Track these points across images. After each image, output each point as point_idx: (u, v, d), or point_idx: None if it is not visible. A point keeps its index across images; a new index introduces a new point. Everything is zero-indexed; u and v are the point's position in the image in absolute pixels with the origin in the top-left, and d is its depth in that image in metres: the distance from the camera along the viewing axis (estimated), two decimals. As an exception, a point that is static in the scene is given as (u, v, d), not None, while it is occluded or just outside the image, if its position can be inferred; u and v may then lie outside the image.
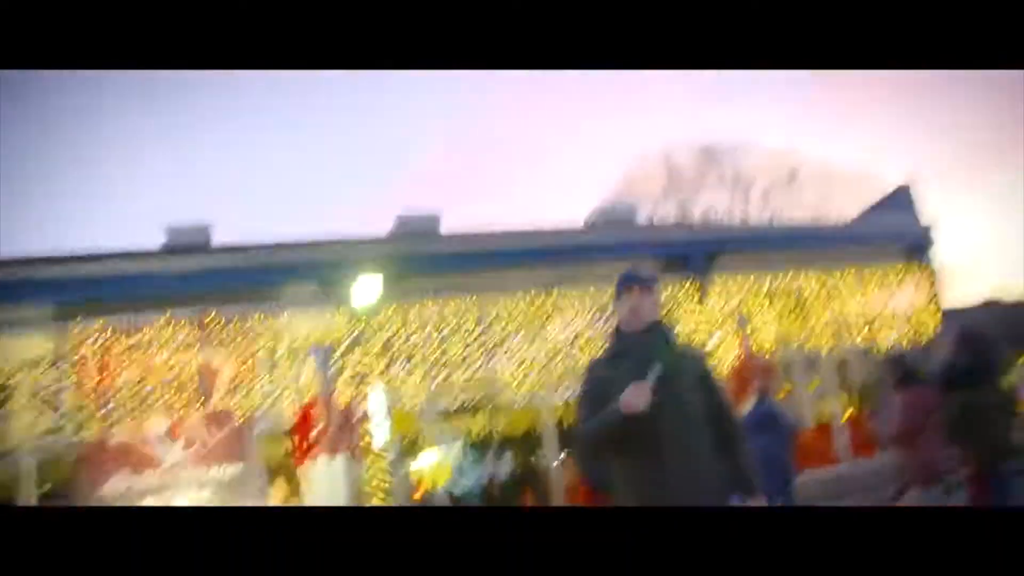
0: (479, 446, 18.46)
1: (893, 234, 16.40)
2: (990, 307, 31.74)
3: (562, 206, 51.69)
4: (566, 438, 15.03)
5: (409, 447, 16.88)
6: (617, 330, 3.37)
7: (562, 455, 15.00)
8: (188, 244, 11.26)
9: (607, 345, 3.43)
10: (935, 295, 16.07)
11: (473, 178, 63.22)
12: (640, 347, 3.22)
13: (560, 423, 14.88)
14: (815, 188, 34.59)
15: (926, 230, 16.74)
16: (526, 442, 19.10)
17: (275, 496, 13.57)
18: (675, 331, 3.37)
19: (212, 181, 60.42)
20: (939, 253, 16.90)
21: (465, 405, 18.61)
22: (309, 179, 62.80)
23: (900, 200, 17.63)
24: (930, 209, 17.80)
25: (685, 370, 3.24)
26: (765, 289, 14.33)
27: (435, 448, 12.67)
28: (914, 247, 16.34)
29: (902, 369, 6.07)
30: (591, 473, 13.54)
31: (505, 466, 19.28)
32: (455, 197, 56.35)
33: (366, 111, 64.03)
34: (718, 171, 34.86)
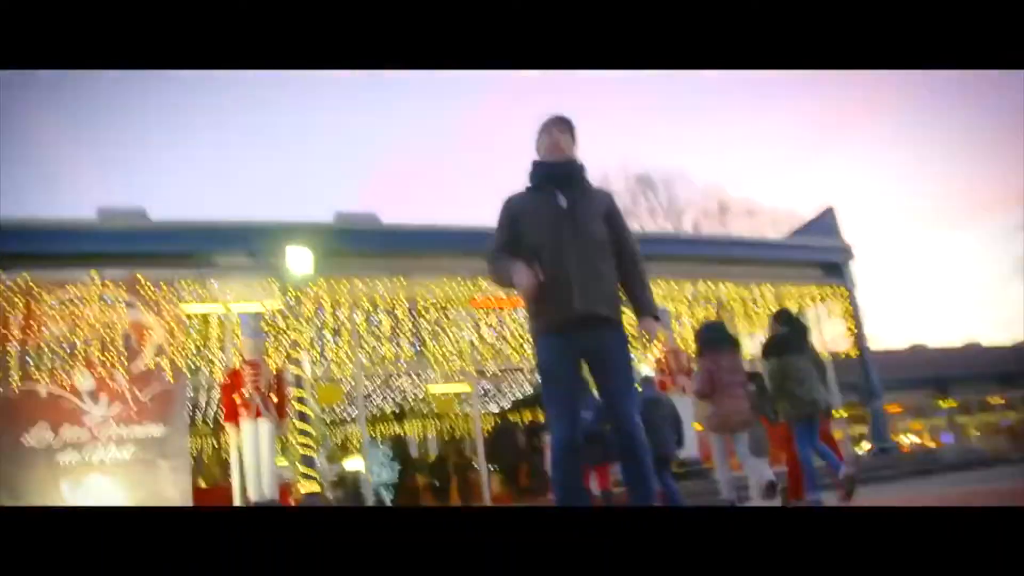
0: (403, 454, 18.51)
1: (812, 252, 17.07)
2: (915, 351, 32.58)
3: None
4: (494, 446, 15.24)
5: (339, 448, 16.96)
6: (535, 162, 3.64)
7: (492, 467, 15.19)
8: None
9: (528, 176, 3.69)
10: (852, 320, 16.67)
11: (417, 182, 63.57)
12: (554, 176, 3.55)
13: (488, 432, 15.10)
14: (744, 221, 35.89)
15: (845, 251, 17.45)
16: (453, 449, 19.24)
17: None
18: (587, 172, 3.65)
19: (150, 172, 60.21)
20: (857, 276, 17.60)
21: (395, 410, 18.74)
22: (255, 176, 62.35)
23: (823, 224, 18.38)
24: (850, 233, 18.57)
25: (593, 202, 3.58)
26: (688, 294, 14.97)
27: (363, 456, 12.89)
28: (831, 267, 17.07)
29: (701, 340, 7.07)
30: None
31: (428, 470, 19.39)
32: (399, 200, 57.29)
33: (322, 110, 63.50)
34: (652, 201, 35.95)
